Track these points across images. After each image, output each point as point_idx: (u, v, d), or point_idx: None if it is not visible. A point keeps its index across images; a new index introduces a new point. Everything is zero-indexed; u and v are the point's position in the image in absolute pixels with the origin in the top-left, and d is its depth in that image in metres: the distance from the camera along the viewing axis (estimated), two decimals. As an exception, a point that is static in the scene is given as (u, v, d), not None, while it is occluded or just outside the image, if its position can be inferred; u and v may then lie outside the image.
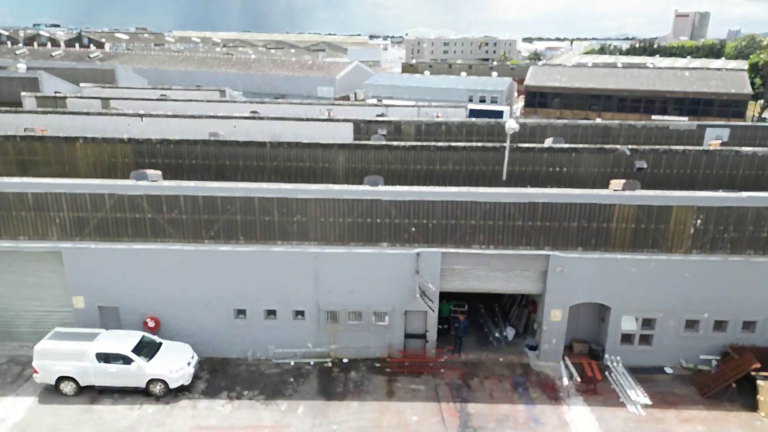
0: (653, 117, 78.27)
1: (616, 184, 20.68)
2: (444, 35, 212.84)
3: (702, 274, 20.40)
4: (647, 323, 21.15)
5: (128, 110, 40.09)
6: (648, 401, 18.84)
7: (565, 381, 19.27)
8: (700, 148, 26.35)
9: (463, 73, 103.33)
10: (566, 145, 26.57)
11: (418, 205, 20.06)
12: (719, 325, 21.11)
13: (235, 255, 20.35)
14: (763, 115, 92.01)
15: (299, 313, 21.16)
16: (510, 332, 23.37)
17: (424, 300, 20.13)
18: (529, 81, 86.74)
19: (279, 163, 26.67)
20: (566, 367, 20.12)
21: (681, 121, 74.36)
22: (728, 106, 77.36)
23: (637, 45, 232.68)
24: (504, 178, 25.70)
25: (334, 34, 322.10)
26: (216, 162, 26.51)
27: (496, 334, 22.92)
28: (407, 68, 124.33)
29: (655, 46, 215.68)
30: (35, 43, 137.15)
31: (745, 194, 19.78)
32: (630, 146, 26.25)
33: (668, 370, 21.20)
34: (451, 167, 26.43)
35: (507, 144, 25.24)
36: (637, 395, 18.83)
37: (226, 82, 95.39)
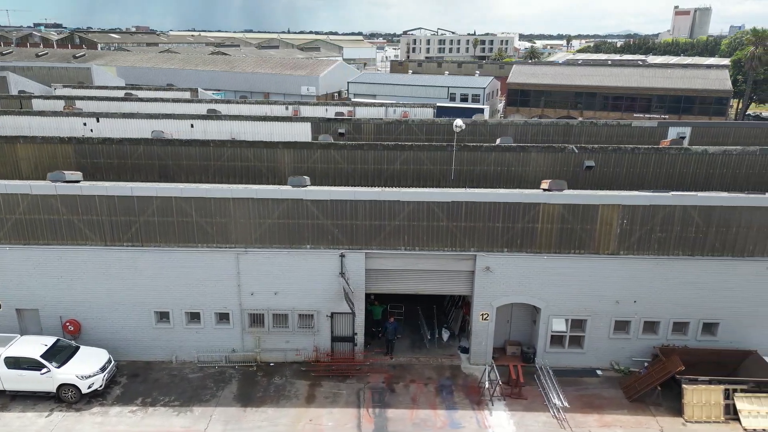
0: (635, 115, 78.07)
1: (545, 183, 20.32)
2: (441, 34, 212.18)
3: (630, 275, 20.05)
4: (577, 325, 20.80)
5: (95, 110, 39.59)
6: (567, 405, 18.44)
7: (486, 384, 18.89)
8: (650, 146, 26.00)
9: (447, 72, 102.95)
10: (514, 144, 26.22)
11: (342, 206, 19.65)
12: (650, 327, 20.77)
13: (154, 257, 19.92)
14: (747, 112, 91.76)
15: (223, 317, 20.76)
16: (445, 334, 23.00)
17: (347, 302, 19.75)
18: (511, 79, 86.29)
19: (223, 162, 26.23)
20: (490, 370, 19.74)
21: (648, 119, 74.06)
22: (710, 104, 77.08)
23: (632, 42, 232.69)
24: (452, 177, 25.39)
25: (335, 33, 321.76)
26: (159, 162, 26.04)
27: (429, 336, 22.54)
28: (396, 67, 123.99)
29: (650, 43, 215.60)
30: (28, 44, 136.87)
31: (670, 193, 19.42)
32: (579, 144, 25.92)
33: (599, 372, 20.85)
34: (398, 166, 26.02)
35: (454, 143, 24.93)
36: (559, 399, 18.46)
37: (210, 81, 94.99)
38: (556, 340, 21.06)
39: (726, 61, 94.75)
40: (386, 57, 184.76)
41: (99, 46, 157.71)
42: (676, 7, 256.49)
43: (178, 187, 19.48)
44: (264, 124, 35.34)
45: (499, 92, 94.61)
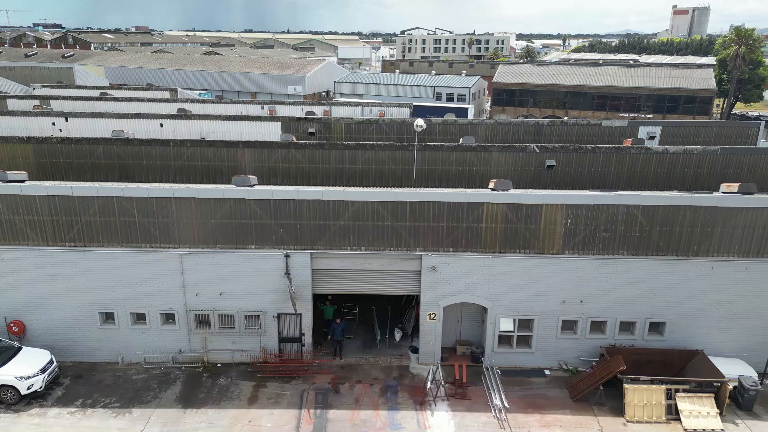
0: (620, 114, 78.16)
1: (491, 183, 20.26)
2: (438, 34, 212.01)
3: (575, 275, 20.00)
4: (525, 324, 20.76)
5: (70, 110, 39.36)
6: (507, 405, 18.36)
7: (428, 384, 18.82)
8: (611, 146, 25.97)
9: (434, 72, 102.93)
10: (475, 144, 26.16)
11: (285, 205, 19.55)
12: (598, 327, 20.73)
13: (98, 258, 19.78)
14: (734, 111, 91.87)
15: (169, 317, 20.64)
16: (397, 334, 22.93)
17: (292, 302, 19.66)
18: (496, 79, 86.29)
19: (183, 162, 26.10)
20: (435, 370, 19.68)
21: (632, 118, 74.13)
22: (693, 103, 77.18)
23: (627, 42, 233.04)
24: (414, 177, 25.31)
25: (335, 33, 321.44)
26: (120, 162, 25.89)
27: (379, 337, 22.45)
28: (388, 67, 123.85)
29: (645, 42, 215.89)
30: (22, 44, 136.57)
31: (612, 193, 19.37)
32: (540, 144, 25.88)
33: (547, 372, 20.81)
34: (360, 166, 25.95)
35: (415, 143, 24.87)
36: (500, 400, 18.40)
37: (198, 81, 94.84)
38: (505, 339, 21.02)
39: (713, 61, 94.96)
40: (382, 57, 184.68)
41: (92, 46, 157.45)
42: (675, 6, 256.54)
43: (119, 187, 19.34)
44: (234, 124, 35.21)
45: (487, 92, 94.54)
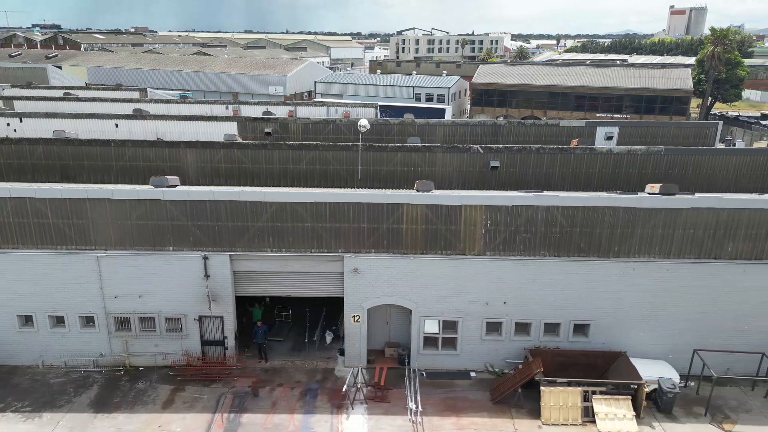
0: (597, 115, 78.22)
1: (418, 184, 20.09)
2: (432, 34, 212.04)
3: (498, 276, 19.84)
4: (450, 326, 20.58)
5: (32, 110, 38.99)
6: (421, 408, 18.17)
7: (344, 388, 18.59)
8: (555, 146, 25.83)
9: (414, 72, 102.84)
10: (419, 145, 25.99)
11: (202, 206, 19.27)
12: (523, 328, 20.57)
13: (13, 260, 19.44)
14: (714, 111, 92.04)
15: (89, 320, 20.33)
16: (328, 337, 22.71)
17: (209, 304, 19.41)
18: (476, 79, 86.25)
19: (125, 162, 25.83)
20: (357, 373, 19.46)
21: (610, 119, 74.12)
22: (670, 103, 77.34)
23: (618, 42, 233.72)
24: (359, 177, 25.13)
25: (334, 33, 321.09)
26: (60, 162, 25.62)
27: (308, 339, 22.21)
28: (375, 67, 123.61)
29: (636, 43, 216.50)
30: (12, 44, 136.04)
31: (531, 194, 19.22)
32: (484, 145, 25.74)
33: (473, 374, 20.64)
34: (304, 166, 25.75)
35: (359, 143, 24.71)
36: (415, 403, 18.21)
37: (180, 81, 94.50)
38: (431, 341, 20.83)
39: (692, 61, 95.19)
40: (386, 56, 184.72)
41: (82, 46, 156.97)
42: (672, 6, 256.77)
43: (31, 188, 19.04)
44: (190, 124, 34.96)
45: (468, 92, 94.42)
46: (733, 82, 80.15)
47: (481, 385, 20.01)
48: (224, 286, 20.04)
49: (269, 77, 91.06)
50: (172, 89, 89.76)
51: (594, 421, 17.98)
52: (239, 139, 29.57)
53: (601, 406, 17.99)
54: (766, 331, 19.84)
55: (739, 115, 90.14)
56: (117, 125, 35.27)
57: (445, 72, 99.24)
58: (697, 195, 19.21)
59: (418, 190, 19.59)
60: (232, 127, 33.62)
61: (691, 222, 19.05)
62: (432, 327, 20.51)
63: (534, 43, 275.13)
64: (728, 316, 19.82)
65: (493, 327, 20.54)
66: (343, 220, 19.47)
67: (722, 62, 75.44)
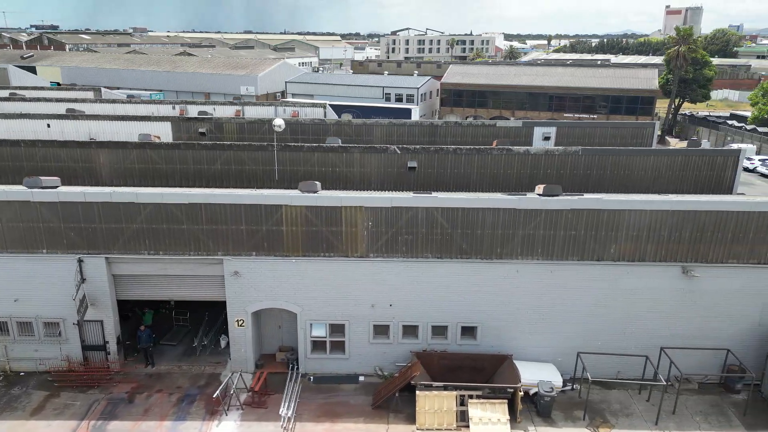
0: (565, 115, 78.23)
1: (301, 185, 19.71)
2: (422, 35, 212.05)
3: (382, 279, 19.49)
4: (338, 330, 20.20)
5: None
6: (293, 414, 17.78)
7: (216, 393, 18.16)
8: (472, 147, 25.54)
9: (386, 72, 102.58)
10: (336, 145, 25.63)
11: (74, 208, 18.74)
12: (411, 331, 20.22)
13: None
14: (684, 111, 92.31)
15: (-36, 325, 19.89)
16: (223, 341, 22.24)
17: (78, 309, 18.89)
18: (445, 79, 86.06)
19: (36, 163, 25.31)
20: (238, 378, 19.06)
21: (578, 119, 74.18)
22: (636, 103, 77.46)
23: (606, 42, 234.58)
24: (276, 177, 24.74)
25: (333, 33, 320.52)
26: None
27: (201, 343, 21.76)
28: (357, 67, 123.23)
29: (624, 43, 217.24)
30: None
31: (410, 195, 18.88)
32: (401, 145, 25.42)
33: (361, 378, 20.27)
34: (219, 167, 25.32)
35: (275, 143, 24.33)
36: (287, 408, 17.81)
37: (153, 81, 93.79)
38: (320, 345, 20.46)
39: (660, 60, 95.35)
40: (377, 56, 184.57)
41: (67, 47, 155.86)
42: (668, 6, 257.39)
43: None
44: (123, 124, 34.42)
45: (439, 92, 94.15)
46: (701, 82, 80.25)
47: (367, 389, 19.65)
48: (102, 289, 19.55)
49: (240, 77, 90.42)
50: (146, 89, 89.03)
51: (469, 426, 17.68)
52: (154, 139, 29.13)
53: (476, 410, 17.67)
54: (654, 334, 19.61)
55: (708, 115, 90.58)
56: (49, 125, 34.71)
57: (416, 72, 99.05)
58: (578, 196, 18.96)
59: (302, 191, 19.21)
60: (166, 127, 33.11)
61: (572, 223, 18.79)
62: (319, 331, 20.13)
63: (530, 43, 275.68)
64: (614, 318, 19.59)
65: (381, 330, 20.18)
66: (221, 222, 19.03)
67: (687, 62, 75.51)
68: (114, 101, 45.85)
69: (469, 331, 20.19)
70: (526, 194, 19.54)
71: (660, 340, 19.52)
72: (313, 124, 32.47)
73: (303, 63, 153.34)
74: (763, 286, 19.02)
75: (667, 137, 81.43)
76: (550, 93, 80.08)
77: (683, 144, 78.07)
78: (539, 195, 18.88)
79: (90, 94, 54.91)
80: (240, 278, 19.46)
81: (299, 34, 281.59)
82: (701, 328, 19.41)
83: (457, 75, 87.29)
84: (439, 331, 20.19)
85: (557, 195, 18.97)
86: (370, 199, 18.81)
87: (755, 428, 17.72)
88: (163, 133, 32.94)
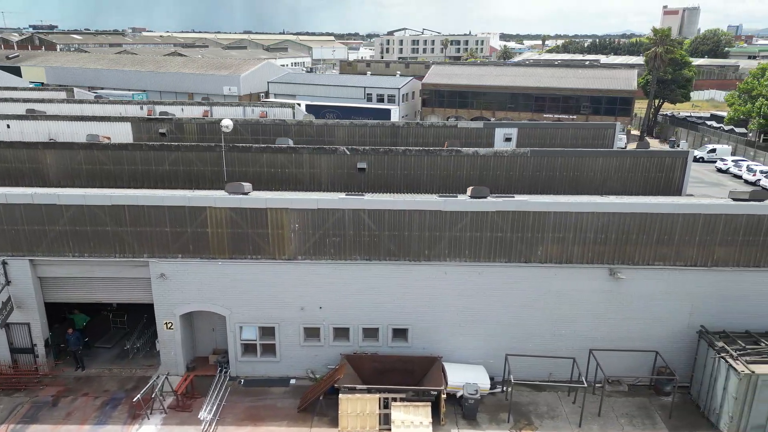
0: (544, 115, 78.31)
1: (228, 186, 19.54)
2: (416, 35, 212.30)
3: (311, 281, 19.34)
4: (268, 332, 20.04)
5: None
6: (212, 416, 17.63)
7: (137, 398, 17.99)
8: (422, 148, 25.44)
9: (369, 72, 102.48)
10: (285, 146, 25.49)
11: (-4, 210, 18.63)
12: (342, 333, 20.09)
13: None
14: (665, 112, 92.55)
15: None
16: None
17: (2, 312, 18.71)
18: (426, 80, 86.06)
19: None
20: (160, 382, 18.89)
21: (557, 119, 74.27)
22: (615, 104, 77.59)
23: (598, 42, 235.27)
24: (225, 178, 24.55)
25: (332, 33, 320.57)
26: None
27: (128, 346, 21.50)
28: (345, 67, 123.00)
29: (616, 43, 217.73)
30: None
31: (337, 196, 18.75)
32: (351, 146, 25.30)
33: (293, 381, 20.14)
34: (167, 167, 25.15)
35: (222, 143, 24.17)
36: (208, 412, 17.66)
37: (136, 81, 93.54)
38: (252, 348, 20.31)
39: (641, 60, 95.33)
40: (371, 56, 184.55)
41: (58, 47, 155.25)
42: (665, 6, 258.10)
43: None
44: (82, 124, 34.19)
45: (421, 93, 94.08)
46: (680, 83, 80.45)
47: (297, 392, 19.50)
48: (28, 292, 19.34)
49: (223, 77, 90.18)
50: (128, 90, 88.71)
51: (391, 429, 17.57)
52: (103, 140, 28.92)
53: (399, 413, 17.56)
54: (583, 336, 19.55)
55: (689, 116, 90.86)
56: (9, 126, 34.44)
57: (398, 73, 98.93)
58: (504, 198, 18.88)
59: (228, 192, 19.06)
60: (126, 128, 32.90)
61: (498, 225, 18.71)
62: (249, 334, 19.98)
63: (527, 43, 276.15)
64: (544, 320, 19.52)
65: (312, 333, 20.04)
66: (145, 224, 18.84)
67: (665, 63, 75.68)
68: (82, 101, 45.58)
69: (400, 334, 20.08)
70: (457, 196, 19.46)
71: (589, 342, 19.47)
72: (274, 124, 32.28)
73: (296, 63, 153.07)
74: (691, 288, 18.99)
75: (647, 138, 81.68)
76: (530, 93, 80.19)
77: (665, 146, 78.42)
78: (469, 197, 18.80)
79: (63, 95, 54.61)
80: (166, 281, 19.28)
81: (297, 34, 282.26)
82: (629, 330, 19.36)
83: (439, 75, 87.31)
84: (371, 333, 20.07)
85: (484, 197, 18.90)
86: (296, 201, 18.67)
87: (679, 430, 17.69)
88: (124, 133, 32.76)
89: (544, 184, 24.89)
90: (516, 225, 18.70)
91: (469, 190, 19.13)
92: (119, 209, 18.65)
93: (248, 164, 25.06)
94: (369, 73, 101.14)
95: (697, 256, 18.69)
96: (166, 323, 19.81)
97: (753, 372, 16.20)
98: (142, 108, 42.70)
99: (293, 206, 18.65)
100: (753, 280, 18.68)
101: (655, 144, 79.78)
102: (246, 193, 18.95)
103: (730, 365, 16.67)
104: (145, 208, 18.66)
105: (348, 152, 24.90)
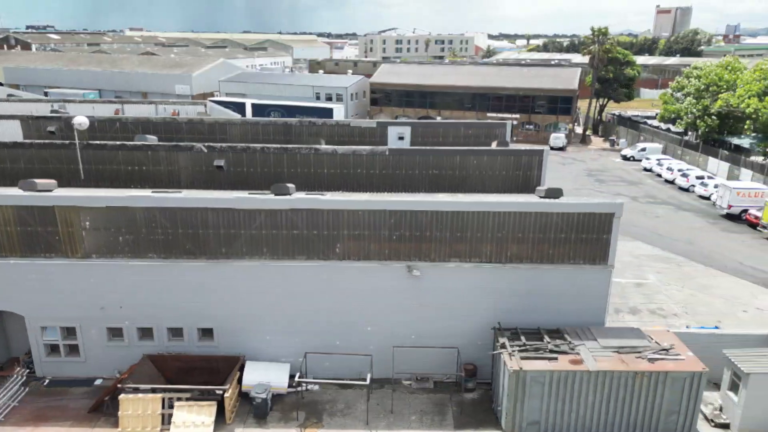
0: (488, 114, 78.50)
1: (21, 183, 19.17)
2: (415, 33, 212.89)
3: (109, 280, 19.01)
4: (71, 332, 19.71)
5: None
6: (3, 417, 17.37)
7: None
8: (280, 146, 25.22)
9: (321, 71, 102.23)
10: (140, 143, 25.13)
11: None
12: (147, 333, 19.82)
13: None
14: (614, 112, 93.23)
15: None
16: None
17: None
18: (374, 79, 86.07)
19: None
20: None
21: (500, 119, 74.43)
22: (556, 103, 78.06)
23: (577, 42, 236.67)
24: (82, 177, 24.13)
25: (329, 33, 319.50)
26: None
27: None
28: (314, 66, 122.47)
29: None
30: None
31: (126, 194, 18.50)
32: (207, 144, 25.01)
33: (99, 381, 19.81)
34: (23, 165, 24.69)
35: (76, 141, 23.72)
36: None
37: (92, 80, 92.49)
38: (57, 348, 19.96)
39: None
40: (356, 55, 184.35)
41: (33, 46, 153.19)
42: (658, 6, 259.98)
43: None
44: (-31, 122, 33.49)
45: (368, 92, 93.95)
46: (622, 82, 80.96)
47: (97, 393, 19.17)
48: None
49: (175, 76, 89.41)
50: (84, 89, 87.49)
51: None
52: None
53: (181, 413, 17.35)
54: (387, 332, 19.45)
55: (633, 116, 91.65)
56: None
57: (350, 71, 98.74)
58: (300, 196, 18.82)
59: (23, 190, 18.71)
60: (15, 126, 32.31)
61: (294, 223, 18.59)
62: (51, 334, 19.64)
63: (519, 43, 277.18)
64: (347, 317, 19.42)
65: (116, 332, 19.74)
66: (-67, 222, 18.46)
67: (603, 62, 76.18)
68: (8, 100, 44.63)
69: (207, 333, 19.87)
70: (266, 193, 19.27)
71: (394, 339, 19.41)
72: (165, 123, 31.91)
73: (275, 63, 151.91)
74: (489, 284, 19.01)
75: (592, 136, 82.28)
76: (474, 93, 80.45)
77: (606, 144, 79.05)
78: (275, 195, 18.64)
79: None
80: (-44, 280, 18.90)
81: (295, 34, 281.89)
82: (430, 327, 19.35)
83: (387, 74, 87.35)
84: (177, 333, 19.83)
85: (286, 194, 18.77)
86: (85, 199, 18.36)
87: (465, 427, 17.69)
88: (12, 131, 32.20)
89: (404, 183, 24.83)
90: (311, 223, 18.59)
91: (272, 187, 18.99)
92: None
93: (105, 162, 24.66)
94: (321, 71, 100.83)
95: (492, 252, 18.73)
96: (-36, 324, 19.44)
97: (521, 368, 16.22)
98: (52, 106, 41.98)
99: (83, 204, 18.34)
100: (546, 276, 18.74)
101: (598, 143, 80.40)
102: (40, 191, 18.64)
103: (504, 362, 16.68)
104: (-72, 206, 18.27)
105: (205, 149, 24.63)
